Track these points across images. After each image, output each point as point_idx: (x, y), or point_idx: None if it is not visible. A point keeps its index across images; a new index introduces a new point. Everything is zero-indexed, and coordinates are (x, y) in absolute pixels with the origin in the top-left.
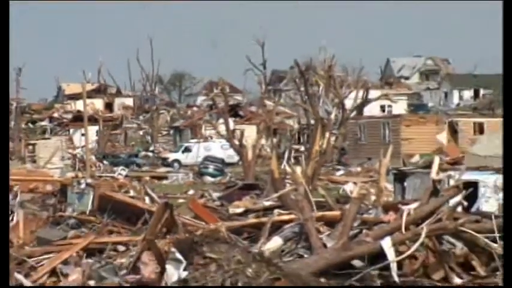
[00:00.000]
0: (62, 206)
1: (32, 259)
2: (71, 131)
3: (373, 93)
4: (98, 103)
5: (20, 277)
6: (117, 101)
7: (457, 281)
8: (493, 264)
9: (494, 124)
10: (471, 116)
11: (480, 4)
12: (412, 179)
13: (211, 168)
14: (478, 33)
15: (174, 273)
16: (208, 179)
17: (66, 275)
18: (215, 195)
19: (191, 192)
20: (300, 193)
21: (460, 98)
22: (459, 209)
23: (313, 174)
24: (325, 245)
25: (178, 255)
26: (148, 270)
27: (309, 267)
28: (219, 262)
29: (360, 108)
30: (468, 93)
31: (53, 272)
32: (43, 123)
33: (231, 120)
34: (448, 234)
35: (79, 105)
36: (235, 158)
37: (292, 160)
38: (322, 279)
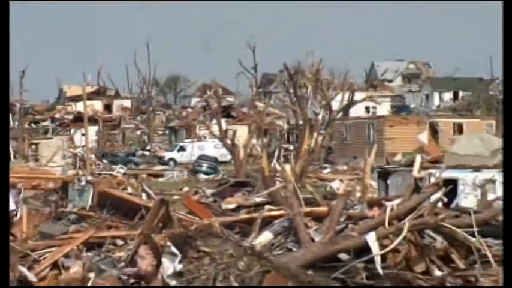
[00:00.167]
0: (63, 202)
1: (35, 252)
2: (72, 131)
3: (358, 95)
4: (98, 104)
5: (23, 269)
6: (116, 103)
7: (438, 273)
8: (472, 257)
9: (472, 124)
10: (451, 117)
11: (460, 10)
12: (395, 176)
13: (205, 167)
14: (458, 38)
15: (169, 266)
16: (202, 176)
17: (67, 268)
18: (208, 192)
19: (186, 189)
20: (289, 190)
21: (440, 99)
22: (439, 205)
23: (301, 172)
24: (312, 239)
25: (174, 249)
26: (145, 263)
27: (297, 260)
28: (212, 255)
29: (345, 109)
30: (448, 95)
31: (55, 265)
32: (45, 123)
33: (223, 121)
34: (429, 229)
35: (79, 106)
36: (228, 157)
37: (282, 159)
38: (310, 272)
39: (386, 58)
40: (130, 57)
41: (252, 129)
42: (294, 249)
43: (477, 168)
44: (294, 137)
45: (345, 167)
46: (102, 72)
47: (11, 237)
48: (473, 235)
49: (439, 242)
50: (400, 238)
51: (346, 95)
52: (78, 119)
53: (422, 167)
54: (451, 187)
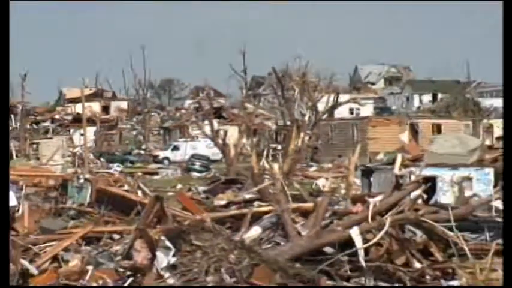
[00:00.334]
0: (62, 198)
1: (36, 246)
2: (71, 131)
3: (343, 97)
4: (95, 106)
5: (25, 262)
6: (113, 104)
7: (417, 265)
8: (450, 250)
9: (450, 125)
10: (430, 118)
11: (438, 17)
12: (378, 174)
13: (197, 165)
14: (436, 43)
15: (164, 259)
16: (195, 174)
17: (66, 261)
18: (201, 189)
19: (179, 186)
20: (277, 187)
21: (420, 101)
22: (419, 201)
23: (289, 170)
24: (299, 234)
25: (168, 243)
26: (141, 256)
27: (285, 254)
28: (205, 249)
29: (331, 110)
30: (427, 97)
31: (55, 258)
32: (46, 124)
33: (215, 122)
34: (409, 224)
35: (78, 108)
36: (219, 156)
37: (270, 157)
38: (297, 265)
39: (369, 62)
40: (127, 61)
41: (242, 129)
42: (282, 243)
43: (455, 167)
44: (281, 137)
45: (330, 166)
46: (100, 76)
47: (13, 232)
48: (451, 229)
49: (419, 236)
50: (382, 232)
51: (331, 97)
52: (77, 119)
53: (403, 165)
54: (430, 184)
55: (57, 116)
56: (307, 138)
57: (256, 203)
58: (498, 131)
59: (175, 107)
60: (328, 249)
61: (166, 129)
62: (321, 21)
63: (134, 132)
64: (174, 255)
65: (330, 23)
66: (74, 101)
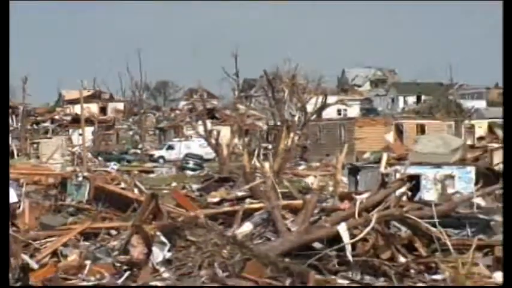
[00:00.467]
0: (62, 196)
1: (36, 242)
2: (70, 131)
3: (331, 99)
4: (93, 107)
5: (25, 257)
6: (110, 106)
7: (402, 259)
8: (433, 245)
9: (434, 126)
10: (414, 119)
11: (421, 22)
12: (364, 172)
13: (191, 164)
14: (420, 47)
15: (159, 254)
16: (189, 172)
17: (65, 256)
18: (195, 186)
19: (174, 184)
20: (268, 185)
21: (405, 103)
22: (404, 198)
23: (279, 168)
24: (289, 230)
25: (163, 239)
26: (137, 251)
27: (275, 249)
28: (198, 244)
29: (319, 111)
30: (411, 99)
31: (54, 253)
32: (45, 124)
33: (208, 122)
34: (394, 220)
35: (77, 109)
36: (212, 155)
37: (261, 156)
38: (287, 259)
39: (356, 65)
40: (124, 64)
41: (234, 129)
42: (273, 239)
43: (438, 165)
44: (272, 137)
45: (318, 164)
46: (98, 78)
47: (14, 228)
48: (434, 225)
49: (404, 231)
50: (368, 228)
51: (320, 99)
52: (76, 120)
53: (389, 164)
54: (414, 182)
55: (56, 117)
56: (296, 138)
57: (247, 200)
58: (479, 131)
59: (170, 108)
60: (316, 245)
61: (161, 130)
62: (310, 26)
63: (130, 132)
64: (169, 250)
65: (318, 27)
66: (73, 102)
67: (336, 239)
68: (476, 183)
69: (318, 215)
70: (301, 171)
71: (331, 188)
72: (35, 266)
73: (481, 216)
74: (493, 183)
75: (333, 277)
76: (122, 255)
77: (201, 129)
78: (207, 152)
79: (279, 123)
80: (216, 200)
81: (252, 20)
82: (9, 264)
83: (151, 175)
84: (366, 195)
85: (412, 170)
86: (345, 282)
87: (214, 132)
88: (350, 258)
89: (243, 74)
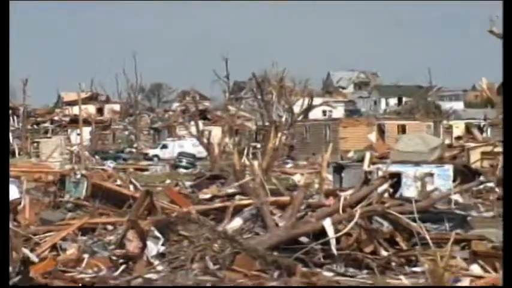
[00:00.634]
0: (61, 193)
1: (36, 236)
2: (69, 131)
3: (316, 101)
4: (91, 108)
5: (26, 251)
6: (107, 107)
7: (384, 253)
8: (413, 239)
9: (414, 126)
10: (395, 120)
11: (402, 27)
12: (348, 170)
13: (184, 162)
14: (401, 51)
15: (153, 248)
16: (182, 170)
17: (64, 250)
18: (187, 184)
19: (168, 181)
20: (257, 182)
21: (387, 104)
22: (386, 194)
23: (267, 166)
24: (277, 225)
25: (157, 233)
26: (133, 245)
27: (264, 243)
28: (191, 239)
29: (305, 112)
30: (393, 101)
31: (54, 247)
32: (45, 124)
33: (200, 122)
34: (377, 215)
35: (75, 110)
36: (204, 154)
37: (251, 155)
38: (275, 253)
39: (340, 68)
40: (120, 67)
41: (225, 129)
42: (261, 233)
43: (418, 163)
44: (261, 137)
45: (305, 163)
46: (95, 81)
47: (15, 223)
48: (414, 220)
49: (385, 226)
50: (352, 223)
51: (306, 100)
52: (74, 120)
53: (371, 163)
54: (395, 179)
55: (56, 118)
56: (284, 137)
57: (237, 197)
58: (457, 131)
59: (163, 109)
60: (303, 239)
61: (155, 130)
62: (296, 31)
63: (126, 132)
64: (162, 244)
65: (304, 32)
66: (71, 103)
67: (321, 233)
68: (453, 181)
69: (304, 210)
70: (288, 169)
71: (316, 185)
72: (35, 259)
73: (458, 211)
74: (469, 180)
75: (319, 270)
76: (118, 249)
77: (193, 129)
78: (199, 151)
79: (267, 123)
80: (207, 196)
81: (242, 24)
82: (11, 257)
83: (146, 173)
84: (349, 192)
85: (394, 168)
86: (330, 274)
87: (206, 132)
88: (334, 251)
89: (233, 77)
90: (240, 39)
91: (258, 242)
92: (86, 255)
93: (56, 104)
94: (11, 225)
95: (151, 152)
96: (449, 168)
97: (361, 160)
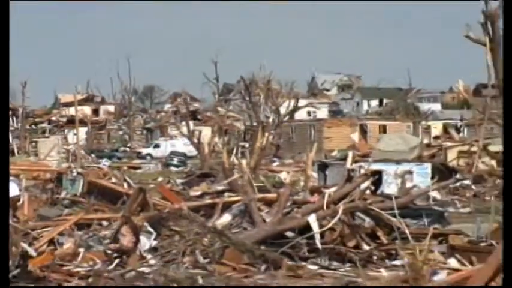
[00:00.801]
0: (58, 190)
1: (35, 231)
2: (66, 131)
3: (302, 102)
4: (87, 109)
5: (25, 245)
6: (102, 108)
7: (366, 247)
8: (393, 234)
9: (394, 126)
10: (377, 120)
11: (383, 32)
12: (332, 168)
13: (175, 161)
14: (382, 55)
15: (146, 242)
16: (173, 168)
17: (61, 244)
18: (179, 181)
19: (160, 179)
20: (245, 180)
21: (368, 106)
22: (367, 191)
23: (255, 165)
24: (264, 220)
25: (150, 228)
26: (126, 240)
27: (252, 238)
28: (182, 234)
29: (291, 113)
30: (374, 102)
31: (51, 242)
32: (43, 125)
33: (191, 123)
34: (359, 211)
35: (72, 111)
36: (195, 153)
37: (239, 154)
38: (262, 247)
39: (324, 72)
40: (115, 70)
41: (214, 129)
42: (249, 229)
43: (398, 162)
44: (249, 136)
45: (290, 161)
46: (91, 83)
47: (14, 219)
48: (394, 216)
49: (367, 222)
50: (335, 219)
51: (292, 102)
52: (71, 121)
53: (354, 161)
54: (377, 177)
55: (53, 118)
56: (271, 137)
57: (226, 194)
58: (435, 131)
59: (156, 110)
60: (289, 234)
61: (148, 130)
62: (283, 36)
63: (120, 132)
64: (155, 239)
65: (290, 36)
66: (68, 105)
67: (306, 228)
68: (432, 178)
69: (290, 207)
70: (275, 168)
71: (302, 183)
72: (34, 253)
73: (436, 207)
74: (447, 178)
75: (304, 263)
76: (113, 244)
77: (184, 129)
78: (190, 150)
79: (255, 124)
80: (198, 193)
81: (232, 28)
82: (10, 251)
83: (139, 171)
84: (333, 189)
85: (375, 166)
86: (314, 267)
87: (197, 132)
88: (319, 245)
89: (222, 79)
90: (229, 43)
91: (246, 236)
92: (81, 250)
93: (54, 105)
94: (10, 221)
95: (144, 151)
96: (427, 167)
97: (344, 159)
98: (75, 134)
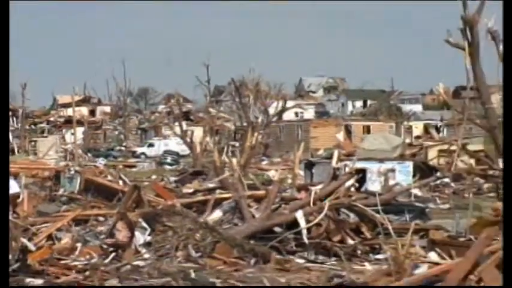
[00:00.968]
0: (56, 187)
1: (34, 227)
2: (63, 131)
3: (289, 103)
4: (84, 110)
5: (24, 240)
6: (99, 109)
7: (350, 242)
8: (377, 229)
9: (377, 126)
10: (361, 121)
11: (368, 35)
12: (318, 167)
13: (169, 159)
14: (366, 58)
15: (140, 237)
16: (167, 167)
17: (59, 239)
18: (172, 179)
19: (154, 177)
20: (235, 177)
21: (353, 107)
22: (352, 189)
23: (245, 163)
24: (254, 216)
25: (144, 224)
26: (122, 235)
27: (241, 233)
28: (175, 229)
29: (279, 114)
30: (359, 104)
31: (50, 237)
32: (42, 125)
33: (184, 123)
34: (344, 208)
35: (69, 111)
36: (187, 152)
37: (230, 153)
38: (252, 241)
39: (311, 74)
40: (110, 72)
41: (206, 129)
42: (239, 224)
43: (381, 160)
44: (239, 136)
45: (279, 160)
46: (88, 85)
47: (14, 215)
48: (378, 212)
49: (352, 218)
50: (321, 215)
51: (280, 103)
52: (68, 121)
53: (339, 160)
54: (361, 175)
55: (51, 118)
56: (260, 137)
57: (218, 191)
58: (416, 131)
59: (150, 111)
60: (277, 229)
61: (143, 130)
62: (271, 40)
63: (116, 132)
64: (149, 234)
65: (278, 40)
66: (66, 106)
67: (294, 224)
68: (413, 176)
69: (279, 203)
70: (264, 166)
71: (290, 180)
72: (33, 248)
73: (417, 204)
74: (427, 176)
75: (291, 257)
76: (109, 239)
77: (177, 129)
78: (183, 149)
79: (245, 124)
80: (190, 190)
81: (222, 33)
82: (10, 246)
83: (134, 169)
84: (319, 186)
85: (359, 165)
86: (301, 261)
87: (189, 132)
88: (306, 240)
89: (213, 81)
90: (220, 46)
91: (236, 231)
92: (79, 244)
93: (52, 106)
94: (10, 217)
95: (139, 150)
96: (409, 165)
97: (330, 157)
98: (72, 134)
